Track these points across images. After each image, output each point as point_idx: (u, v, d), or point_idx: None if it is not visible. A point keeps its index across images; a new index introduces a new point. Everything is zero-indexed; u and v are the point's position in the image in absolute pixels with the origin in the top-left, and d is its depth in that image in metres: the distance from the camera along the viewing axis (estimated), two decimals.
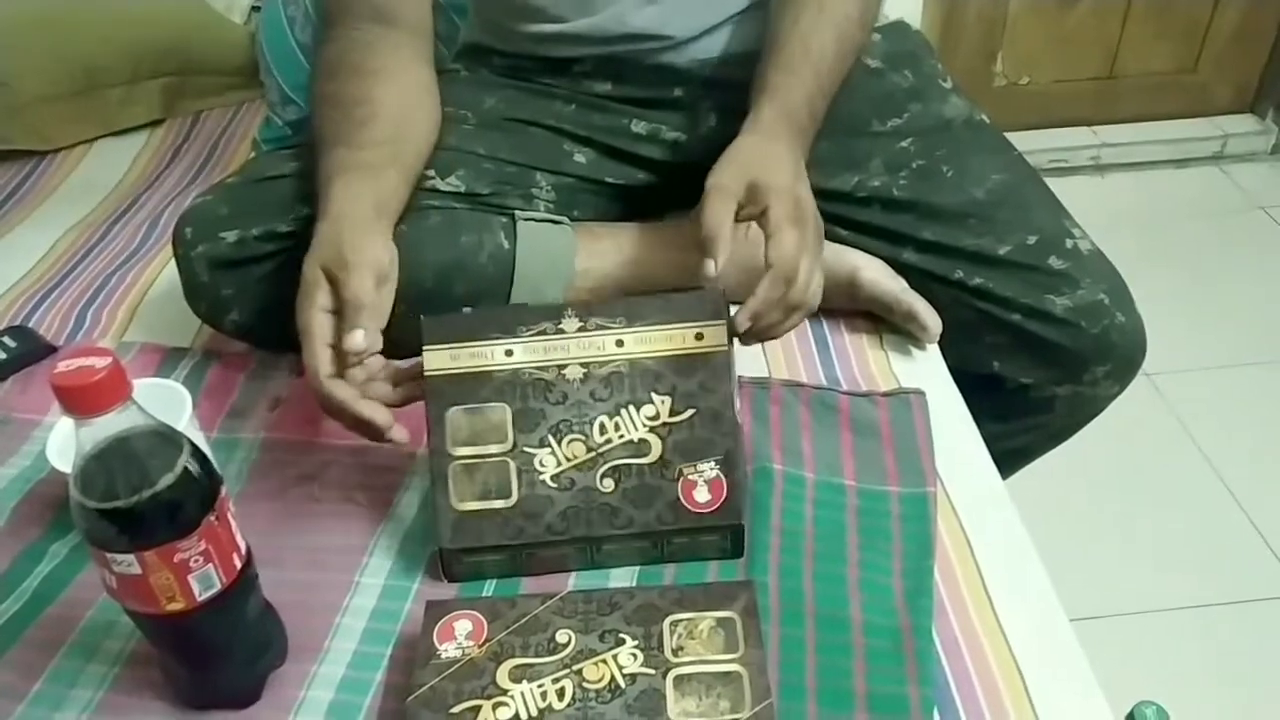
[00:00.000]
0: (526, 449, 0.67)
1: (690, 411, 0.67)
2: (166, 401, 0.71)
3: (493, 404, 0.67)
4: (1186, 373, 1.56)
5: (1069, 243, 0.87)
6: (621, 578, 0.69)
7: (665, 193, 0.96)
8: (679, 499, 0.67)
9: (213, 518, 0.55)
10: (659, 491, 0.67)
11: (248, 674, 0.63)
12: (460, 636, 0.61)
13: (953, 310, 0.88)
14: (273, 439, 0.81)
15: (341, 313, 0.66)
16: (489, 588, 0.69)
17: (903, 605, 0.66)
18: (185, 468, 0.54)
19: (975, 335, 0.89)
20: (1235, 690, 1.16)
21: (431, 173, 0.84)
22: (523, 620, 0.61)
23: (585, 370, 0.67)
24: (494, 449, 0.67)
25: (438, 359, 0.68)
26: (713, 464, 0.67)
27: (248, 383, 0.87)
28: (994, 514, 0.73)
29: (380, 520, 0.74)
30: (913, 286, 0.88)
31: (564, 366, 0.67)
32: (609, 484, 0.67)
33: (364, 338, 0.65)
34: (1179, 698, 1.03)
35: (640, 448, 0.67)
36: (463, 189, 0.85)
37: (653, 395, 0.67)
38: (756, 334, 0.71)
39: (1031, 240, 0.87)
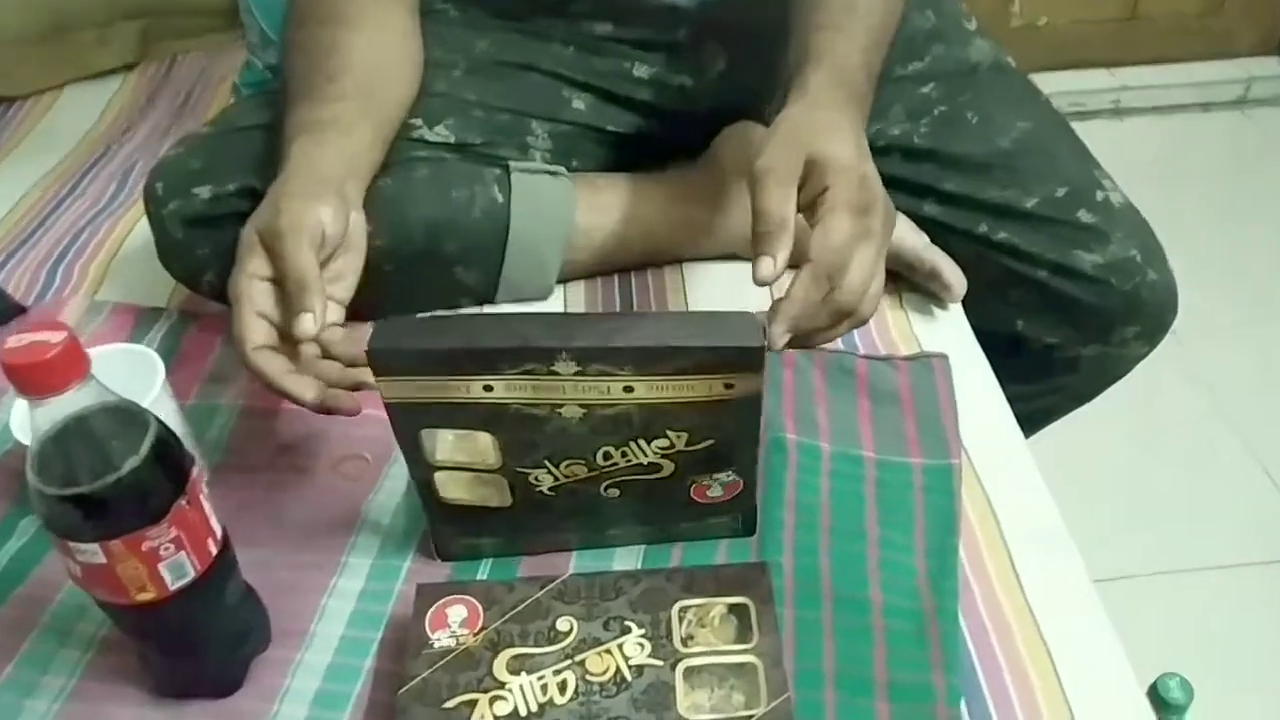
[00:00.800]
0: (519, 469, 0.59)
1: (709, 442, 0.58)
2: (137, 368, 0.67)
3: (475, 431, 0.57)
4: (1206, 324, 1.51)
5: (1099, 195, 0.83)
6: (626, 559, 0.65)
7: (670, 141, 0.90)
8: (690, 497, 0.61)
9: (184, 502, 0.51)
10: (669, 495, 0.61)
11: (228, 662, 0.59)
12: (454, 624, 0.57)
13: (975, 266, 0.83)
14: (253, 406, 0.77)
15: (282, 286, 0.59)
16: (484, 568, 0.65)
17: (926, 586, 0.62)
18: (152, 449, 0.49)
19: (998, 293, 0.84)
20: (1260, 654, 1.14)
21: (418, 121, 0.78)
22: (521, 606, 0.57)
23: (586, 410, 0.55)
24: (480, 465, 0.60)
25: (397, 389, 0.55)
26: (730, 473, 0.60)
27: (227, 346, 0.82)
28: (1022, 488, 0.68)
29: (369, 493, 0.70)
30: (933, 241, 0.84)
31: (559, 406, 0.55)
32: (614, 492, 0.61)
33: (314, 322, 0.57)
34: (1202, 661, 1.01)
35: (650, 469, 0.59)
36: (452, 139, 0.80)
37: (667, 432, 0.57)
38: (791, 343, 0.58)
39: (1060, 192, 0.82)
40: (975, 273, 0.83)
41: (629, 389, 0.54)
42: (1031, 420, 0.95)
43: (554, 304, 0.85)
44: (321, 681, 0.59)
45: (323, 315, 0.58)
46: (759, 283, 0.56)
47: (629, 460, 0.58)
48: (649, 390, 0.54)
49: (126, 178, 1.04)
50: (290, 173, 0.63)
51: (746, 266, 0.87)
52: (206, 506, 0.53)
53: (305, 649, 0.61)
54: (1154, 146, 1.89)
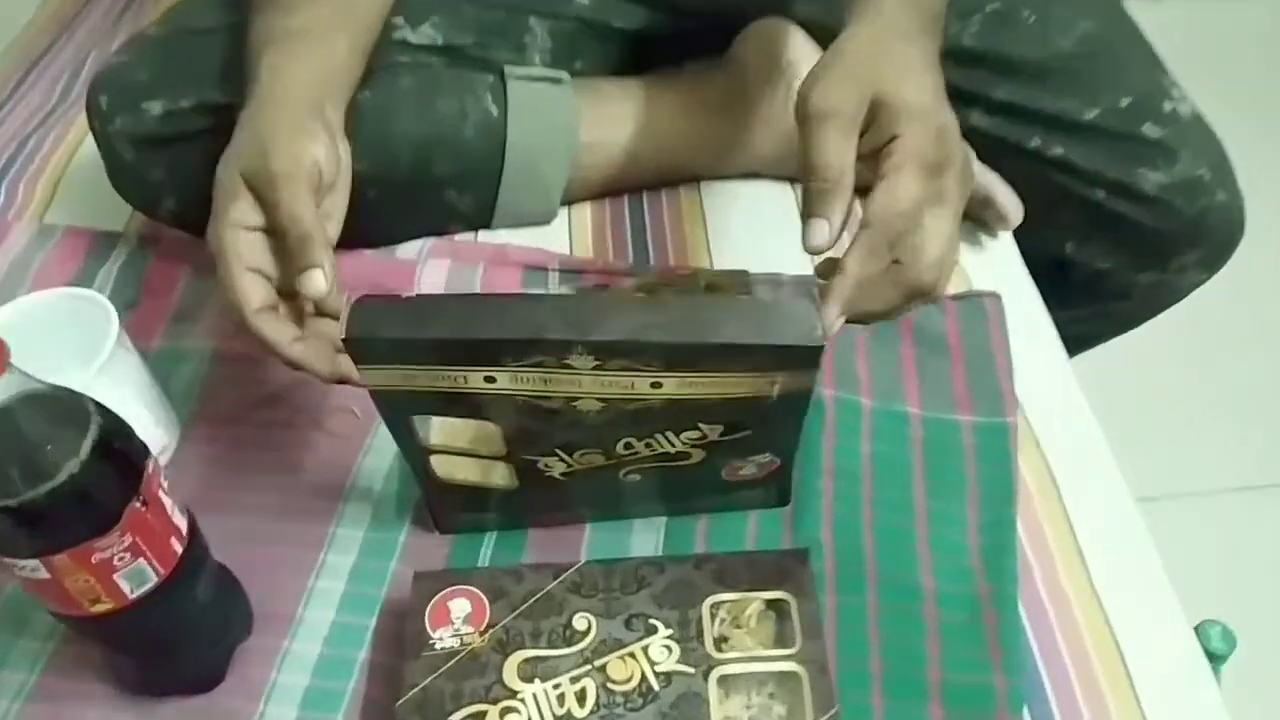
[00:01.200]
0: (527, 457, 0.52)
1: (746, 432, 0.50)
2: (87, 317, 0.59)
3: (474, 420, 0.50)
4: (1252, 232, 1.42)
5: (1167, 106, 0.74)
6: (645, 532, 0.58)
7: (685, 40, 0.79)
8: (720, 478, 0.54)
9: (138, 504, 0.43)
10: (697, 478, 0.54)
11: (204, 658, 0.53)
12: (457, 620, 0.51)
13: (1025, 185, 0.75)
14: (228, 350, 0.69)
15: (277, 237, 0.51)
16: (488, 542, 0.59)
17: (980, 567, 0.55)
18: (95, 448, 0.41)
19: (1049, 214, 0.76)
20: None
21: (400, 21, 0.68)
22: (532, 600, 0.51)
23: (605, 403, 0.47)
24: (483, 451, 0.52)
25: (381, 377, 0.47)
26: (767, 455, 0.53)
27: (195, 278, 0.74)
28: (1084, 451, 0.61)
29: (358, 453, 0.63)
30: (979, 156, 0.74)
31: (575, 399, 0.47)
32: (635, 477, 0.53)
33: (325, 278, 0.49)
34: (1235, 583, 0.98)
35: (678, 457, 0.51)
36: (439, 41, 0.70)
37: (700, 424, 0.49)
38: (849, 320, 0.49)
39: (1124, 103, 0.73)
40: (1024, 192, 0.75)
41: (657, 385, 0.45)
42: (1073, 345, 0.88)
43: (558, 228, 0.76)
44: (311, 678, 0.54)
45: (332, 270, 0.50)
46: (810, 250, 0.46)
47: (653, 450, 0.50)
48: (680, 386, 0.45)
49: (75, 77, 0.94)
50: (264, 97, 0.53)
51: (771, 187, 0.77)
52: (167, 501, 0.46)
53: (292, 637, 0.55)
54: (1193, 32, 1.75)
